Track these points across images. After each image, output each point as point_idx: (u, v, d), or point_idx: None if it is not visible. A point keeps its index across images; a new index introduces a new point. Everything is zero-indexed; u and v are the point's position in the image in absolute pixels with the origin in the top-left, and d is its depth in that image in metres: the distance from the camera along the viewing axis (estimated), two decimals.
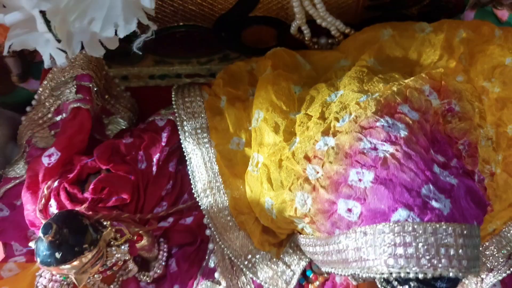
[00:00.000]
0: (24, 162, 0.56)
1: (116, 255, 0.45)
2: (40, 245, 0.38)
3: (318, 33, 0.62)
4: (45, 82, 0.56)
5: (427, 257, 0.32)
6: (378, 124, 0.39)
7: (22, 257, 0.54)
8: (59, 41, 0.37)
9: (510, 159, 0.50)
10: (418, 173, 0.35)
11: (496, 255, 0.51)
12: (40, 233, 0.37)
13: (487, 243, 0.51)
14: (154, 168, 0.55)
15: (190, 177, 0.54)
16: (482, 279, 0.50)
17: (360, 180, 0.37)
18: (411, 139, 0.37)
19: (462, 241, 0.33)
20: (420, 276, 0.32)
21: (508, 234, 0.52)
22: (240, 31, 0.63)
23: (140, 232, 0.48)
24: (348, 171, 0.38)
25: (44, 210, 0.50)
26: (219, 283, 0.54)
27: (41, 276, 0.47)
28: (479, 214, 0.37)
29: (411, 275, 0.32)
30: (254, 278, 0.55)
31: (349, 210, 0.37)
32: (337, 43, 0.60)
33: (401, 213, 0.34)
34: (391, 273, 0.33)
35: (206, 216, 0.53)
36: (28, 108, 0.60)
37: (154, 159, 0.55)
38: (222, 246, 0.54)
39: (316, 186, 0.41)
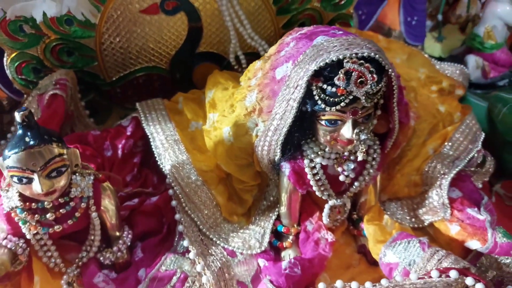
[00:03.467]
0: None
1: (79, 186, 0.46)
2: (14, 140, 0.40)
3: None
4: (27, 103, 0.64)
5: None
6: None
7: None
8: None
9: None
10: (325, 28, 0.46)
11: (443, 166, 0.55)
12: (15, 113, 0.40)
13: (434, 163, 0.56)
14: (119, 153, 0.59)
15: (154, 150, 0.58)
16: (440, 184, 0.53)
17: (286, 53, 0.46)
18: None
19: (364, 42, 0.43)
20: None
21: (446, 152, 0.58)
22: (191, 70, 0.78)
23: (103, 177, 0.49)
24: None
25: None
26: (188, 251, 0.52)
27: None
28: None
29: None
30: (226, 246, 0.53)
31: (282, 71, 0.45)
32: None
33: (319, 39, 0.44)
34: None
35: (170, 178, 0.55)
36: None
37: (120, 146, 0.60)
38: (190, 213, 0.54)
39: (258, 83, 0.49)
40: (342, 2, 0.74)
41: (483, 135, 0.61)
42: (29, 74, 0.71)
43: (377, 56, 0.41)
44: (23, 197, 0.44)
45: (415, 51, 0.78)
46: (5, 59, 0.69)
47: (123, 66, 0.74)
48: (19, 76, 0.71)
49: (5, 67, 0.70)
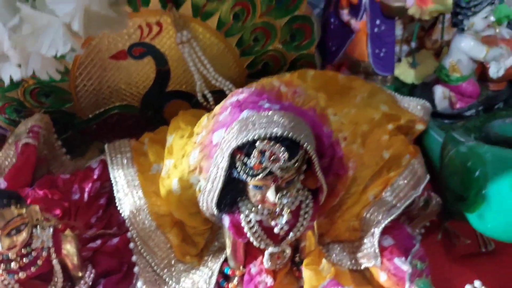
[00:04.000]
0: None
1: (40, 238, 0.51)
2: None
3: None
4: (3, 149, 0.70)
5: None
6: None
7: None
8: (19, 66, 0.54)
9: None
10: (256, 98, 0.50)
11: (379, 213, 0.59)
12: None
13: (372, 209, 0.60)
14: (86, 196, 0.65)
15: (115, 194, 0.63)
16: (373, 233, 0.57)
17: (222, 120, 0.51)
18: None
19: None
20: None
21: (386, 199, 0.61)
22: (162, 108, 0.83)
23: (64, 227, 0.55)
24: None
25: None
26: None
27: None
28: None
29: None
30: (177, 286, 0.58)
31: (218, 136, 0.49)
32: None
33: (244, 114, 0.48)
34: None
35: (128, 223, 0.60)
36: None
37: (86, 189, 0.65)
38: (146, 255, 0.60)
39: (201, 141, 0.54)
40: (303, 43, 0.78)
41: (427, 179, 0.64)
42: (12, 114, 0.77)
43: (290, 134, 0.45)
44: None
45: (377, 88, 0.81)
46: None
47: (97, 105, 0.80)
48: (3, 115, 0.77)
49: None
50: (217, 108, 0.56)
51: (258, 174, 0.45)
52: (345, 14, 0.88)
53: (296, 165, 0.46)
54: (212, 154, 0.50)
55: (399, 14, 0.84)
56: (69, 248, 0.56)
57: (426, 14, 0.94)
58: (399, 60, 1.09)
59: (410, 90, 1.01)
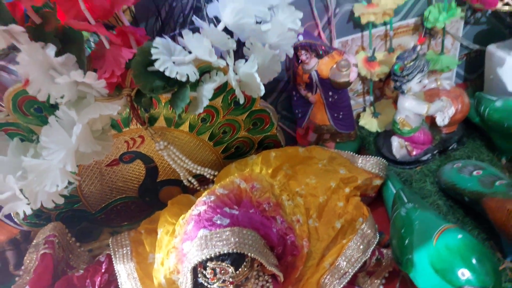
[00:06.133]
0: None
1: None
2: None
3: (206, 181, 0.96)
4: (28, 253, 0.86)
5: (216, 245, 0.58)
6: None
7: None
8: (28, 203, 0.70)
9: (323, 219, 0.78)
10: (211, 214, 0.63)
11: (334, 281, 0.71)
12: None
13: (329, 276, 0.72)
14: None
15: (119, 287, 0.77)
16: None
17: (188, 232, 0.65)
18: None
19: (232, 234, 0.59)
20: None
21: (340, 265, 0.73)
22: (157, 194, 0.97)
23: None
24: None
25: None
26: None
27: None
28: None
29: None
30: None
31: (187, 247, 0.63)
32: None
33: (200, 232, 0.61)
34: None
35: None
36: (16, 278, 0.87)
37: (97, 282, 0.80)
38: None
39: (176, 246, 0.67)
40: (265, 128, 0.91)
41: (376, 240, 0.76)
42: (33, 219, 0.93)
43: (234, 250, 0.58)
44: None
45: (334, 154, 0.93)
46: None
47: (102, 201, 0.95)
48: (26, 221, 0.93)
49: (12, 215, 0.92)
50: (188, 213, 0.70)
51: (215, 283, 0.58)
52: (302, 89, 1.01)
53: (245, 270, 0.59)
54: (183, 260, 0.63)
55: (346, 86, 0.96)
56: None
57: (374, 76, 1.07)
58: (364, 109, 1.22)
59: (375, 138, 1.13)
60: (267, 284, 0.65)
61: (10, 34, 0.64)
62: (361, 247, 0.74)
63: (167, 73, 0.66)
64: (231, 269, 0.57)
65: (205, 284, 0.59)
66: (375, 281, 0.78)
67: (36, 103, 0.77)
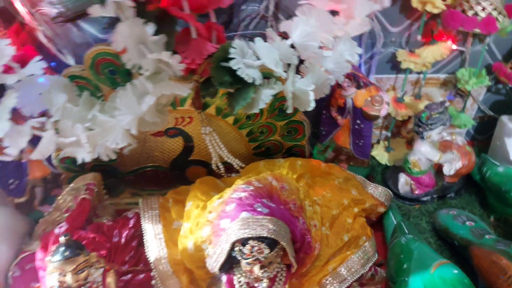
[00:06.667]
0: (38, 241, 0.88)
1: (94, 274, 0.74)
2: (56, 250, 0.69)
3: (230, 170, 1.06)
4: (63, 193, 0.94)
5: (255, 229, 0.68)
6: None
7: None
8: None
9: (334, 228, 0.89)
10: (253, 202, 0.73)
11: (334, 284, 0.82)
12: (60, 237, 0.69)
13: (330, 278, 0.83)
14: (123, 240, 0.88)
15: (144, 243, 0.86)
16: None
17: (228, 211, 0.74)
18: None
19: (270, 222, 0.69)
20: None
21: (341, 272, 0.84)
22: (185, 170, 1.06)
23: (109, 268, 0.78)
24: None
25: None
26: None
27: None
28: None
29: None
30: None
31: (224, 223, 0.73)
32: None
33: (243, 214, 0.71)
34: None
35: (152, 266, 0.83)
36: (45, 213, 0.95)
37: (124, 235, 0.89)
38: None
39: (211, 221, 0.77)
40: (297, 137, 1.02)
41: (375, 259, 0.87)
42: (70, 164, 1.01)
43: (272, 236, 0.68)
44: (59, 280, 0.73)
45: (350, 175, 1.04)
46: (52, 154, 0.99)
47: (136, 164, 1.04)
48: (62, 164, 1.01)
49: (52, 158, 1.00)
50: (226, 195, 0.80)
51: (249, 258, 0.68)
52: (333, 111, 1.12)
53: (274, 254, 0.69)
54: (219, 234, 0.73)
55: (375, 119, 1.08)
56: (111, 281, 0.79)
57: (400, 116, 1.18)
58: (378, 141, 1.33)
59: (383, 169, 1.25)
60: (282, 272, 0.76)
61: (118, 6, 0.72)
62: (362, 261, 0.85)
63: (238, 72, 0.76)
64: (266, 251, 0.67)
65: (238, 257, 0.69)
66: None
67: (111, 66, 0.85)
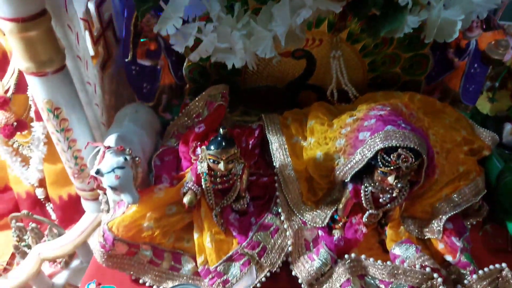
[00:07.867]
0: (174, 140, 0.99)
1: (236, 168, 0.84)
2: (214, 141, 0.79)
3: (341, 100, 1.10)
4: (195, 101, 1.03)
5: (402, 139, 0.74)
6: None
7: (167, 184, 0.91)
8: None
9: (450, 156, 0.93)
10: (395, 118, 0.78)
11: (447, 207, 0.87)
12: (220, 130, 0.78)
13: (443, 203, 0.89)
14: (250, 146, 0.97)
15: (270, 152, 0.95)
16: (441, 218, 0.86)
17: (367, 125, 0.80)
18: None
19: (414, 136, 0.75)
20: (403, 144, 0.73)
21: (454, 199, 0.89)
22: (298, 93, 1.12)
23: (247, 165, 0.87)
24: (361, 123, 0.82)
25: (193, 152, 0.90)
26: (280, 215, 0.89)
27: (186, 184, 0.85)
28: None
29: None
30: (302, 218, 0.90)
31: (363, 135, 0.79)
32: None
33: (389, 127, 0.76)
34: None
35: (277, 171, 0.92)
36: (176, 117, 1.05)
37: (251, 142, 0.97)
38: (285, 194, 0.91)
39: (346, 133, 0.83)
40: (418, 72, 1.04)
41: (484, 192, 0.91)
42: (196, 75, 1.09)
43: (417, 148, 0.73)
44: (208, 168, 0.83)
45: (462, 116, 1.06)
46: (185, 64, 1.07)
47: (255, 82, 1.10)
48: (190, 75, 1.09)
49: (183, 68, 1.08)
50: (360, 114, 0.85)
51: (391, 166, 0.74)
52: (451, 52, 1.12)
53: (414, 166, 0.75)
54: (357, 145, 0.79)
55: (495, 64, 1.07)
56: (245, 177, 0.88)
57: None
58: (481, 92, 1.32)
59: (483, 119, 1.25)
60: (406, 187, 0.82)
61: None
62: (473, 192, 0.90)
63: None
64: (411, 159, 0.73)
65: (380, 165, 0.75)
66: (467, 223, 0.94)
67: None
